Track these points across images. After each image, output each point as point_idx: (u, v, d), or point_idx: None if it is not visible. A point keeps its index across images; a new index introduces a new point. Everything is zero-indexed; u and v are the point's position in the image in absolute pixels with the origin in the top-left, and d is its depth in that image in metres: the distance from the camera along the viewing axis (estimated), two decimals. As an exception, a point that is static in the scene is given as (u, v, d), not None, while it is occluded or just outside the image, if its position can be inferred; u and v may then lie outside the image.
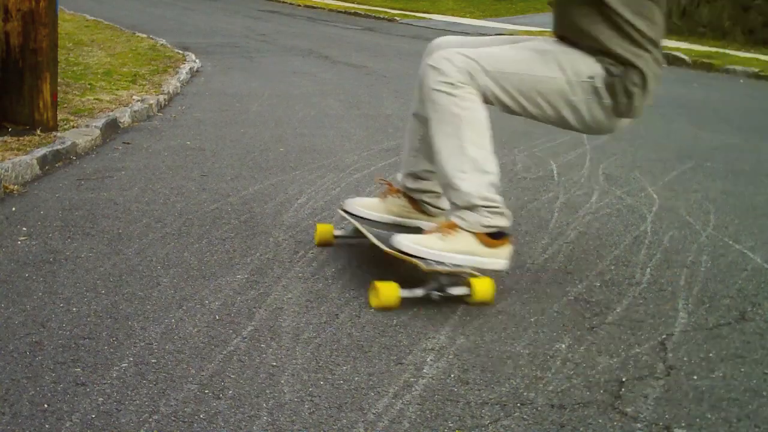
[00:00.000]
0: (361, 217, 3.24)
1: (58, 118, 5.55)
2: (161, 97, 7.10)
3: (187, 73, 8.81)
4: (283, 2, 24.20)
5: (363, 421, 2.18)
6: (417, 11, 22.14)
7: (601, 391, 2.39)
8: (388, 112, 7.13)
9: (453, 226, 2.82)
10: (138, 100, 6.72)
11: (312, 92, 8.20)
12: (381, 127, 6.47)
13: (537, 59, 2.77)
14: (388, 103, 7.69)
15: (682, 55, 12.57)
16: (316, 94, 8.10)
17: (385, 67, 10.59)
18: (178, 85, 8.01)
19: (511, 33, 16.55)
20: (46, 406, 2.21)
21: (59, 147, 4.92)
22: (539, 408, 2.28)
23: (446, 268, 2.79)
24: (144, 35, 12.29)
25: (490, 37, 3.25)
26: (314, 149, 5.53)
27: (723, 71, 11.61)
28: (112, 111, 6.19)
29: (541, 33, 16.17)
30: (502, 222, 2.86)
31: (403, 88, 8.68)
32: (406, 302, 2.95)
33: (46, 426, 2.12)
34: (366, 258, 3.42)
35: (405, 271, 3.02)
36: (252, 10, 20.99)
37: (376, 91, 8.51)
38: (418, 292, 2.84)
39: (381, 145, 5.71)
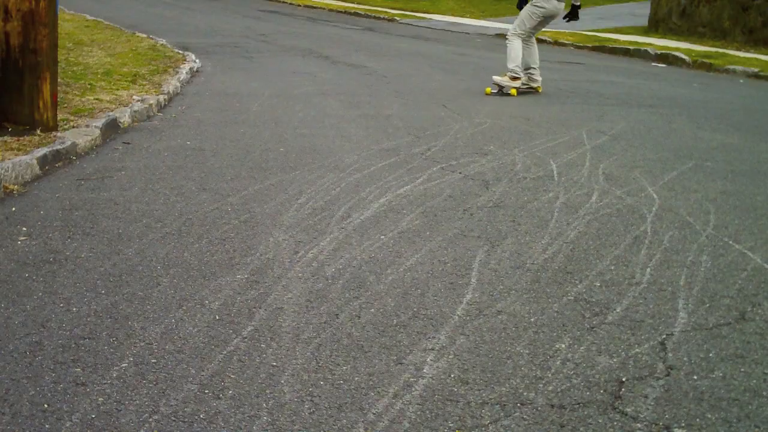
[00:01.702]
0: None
1: (58, 118, 5.55)
2: (161, 97, 7.11)
3: (187, 73, 8.81)
4: (283, 2, 24.20)
5: (363, 421, 2.18)
6: (417, 11, 22.15)
7: (601, 391, 2.39)
8: (388, 112, 7.13)
9: (504, 75, 8.55)
10: (138, 100, 6.72)
11: (312, 92, 8.20)
12: (381, 127, 6.47)
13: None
14: (388, 103, 7.69)
15: (682, 55, 12.57)
16: (316, 94, 8.10)
17: (385, 67, 10.59)
18: (178, 85, 8.01)
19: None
20: (46, 406, 2.21)
21: (59, 147, 4.92)
22: (539, 408, 2.28)
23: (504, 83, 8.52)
24: (144, 35, 12.29)
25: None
26: (314, 149, 5.53)
27: (723, 71, 11.61)
28: (112, 111, 6.19)
29: (540, 32, 16.16)
30: (518, 75, 8.41)
31: (403, 88, 8.68)
32: (405, 302, 2.96)
33: (46, 426, 2.12)
34: (366, 258, 3.43)
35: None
36: (252, 10, 21.00)
37: (376, 91, 8.52)
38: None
39: (381, 145, 5.71)
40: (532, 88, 8.66)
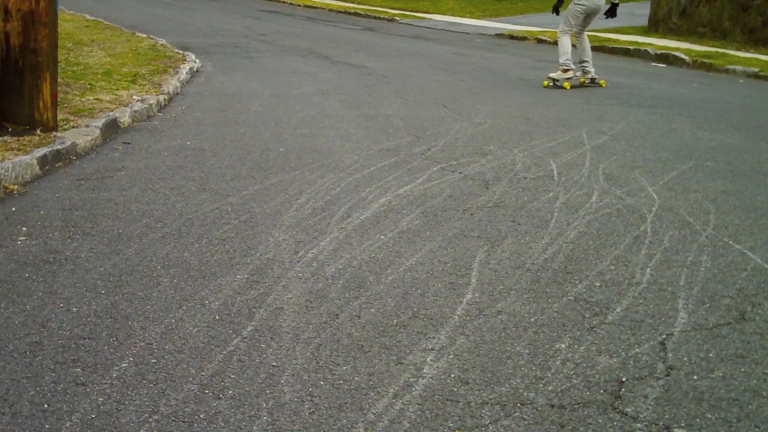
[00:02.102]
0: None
1: (58, 118, 5.56)
2: (161, 97, 7.11)
3: (187, 73, 8.82)
4: (283, 2, 24.20)
5: (363, 421, 2.18)
6: (417, 11, 22.15)
7: (601, 391, 2.39)
8: (388, 112, 7.13)
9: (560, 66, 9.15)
10: (138, 100, 6.72)
11: (312, 92, 8.20)
12: (381, 127, 6.47)
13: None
14: (388, 103, 7.69)
15: (682, 55, 12.57)
16: (316, 94, 8.10)
17: (385, 67, 10.59)
18: (178, 85, 8.01)
19: (511, 33, 16.54)
20: (46, 406, 2.21)
21: (59, 147, 4.92)
22: (539, 408, 2.28)
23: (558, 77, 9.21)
24: (144, 35, 12.30)
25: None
26: (314, 149, 5.54)
27: (723, 71, 11.61)
28: (112, 111, 6.20)
29: (541, 33, 16.17)
30: (569, 67, 9.02)
31: (403, 88, 8.68)
32: (405, 302, 2.97)
33: (46, 426, 2.12)
34: (366, 258, 3.43)
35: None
36: (252, 10, 21.00)
37: (376, 91, 8.52)
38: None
39: (381, 145, 5.71)
40: (594, 80, 9.38)
